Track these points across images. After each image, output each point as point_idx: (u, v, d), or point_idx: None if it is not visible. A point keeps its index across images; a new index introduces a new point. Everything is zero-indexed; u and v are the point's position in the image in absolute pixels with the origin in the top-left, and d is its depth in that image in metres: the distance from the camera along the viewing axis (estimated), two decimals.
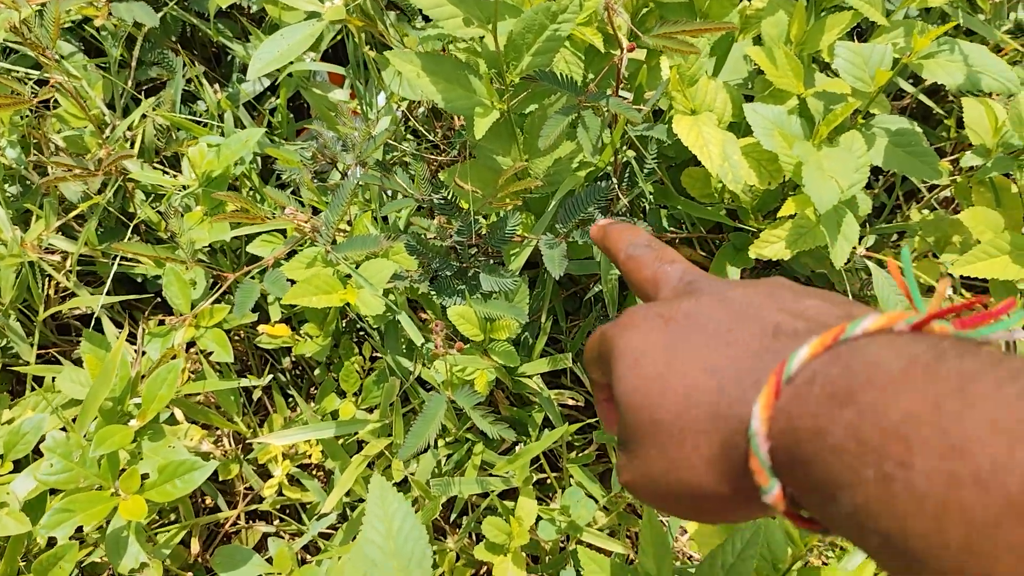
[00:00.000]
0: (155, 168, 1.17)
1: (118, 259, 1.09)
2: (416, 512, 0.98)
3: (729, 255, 1.06)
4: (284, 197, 0.97)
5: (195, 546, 1.02)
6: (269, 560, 0.99)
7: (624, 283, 1.07)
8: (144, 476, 0.87)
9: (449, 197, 0.97)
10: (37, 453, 0.88)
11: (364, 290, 0.90)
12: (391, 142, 1.12)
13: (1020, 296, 0.98)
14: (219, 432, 1.10)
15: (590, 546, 1.02)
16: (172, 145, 1.17)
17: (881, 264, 0.97)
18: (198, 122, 1.20)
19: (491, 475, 1.02)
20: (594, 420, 1.16)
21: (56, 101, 1.16)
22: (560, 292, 1.18)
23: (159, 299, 1.19)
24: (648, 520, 0.74)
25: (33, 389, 1.07)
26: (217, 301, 1.01)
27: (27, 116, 1.16)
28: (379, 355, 1.09)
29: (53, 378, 1.02)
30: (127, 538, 0.86)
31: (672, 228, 1.10)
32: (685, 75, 0.93)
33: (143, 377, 0.98)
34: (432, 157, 1.16)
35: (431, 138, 1.26)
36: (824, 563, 1.03)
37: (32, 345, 1.09)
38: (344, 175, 1.09)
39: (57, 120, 1.16)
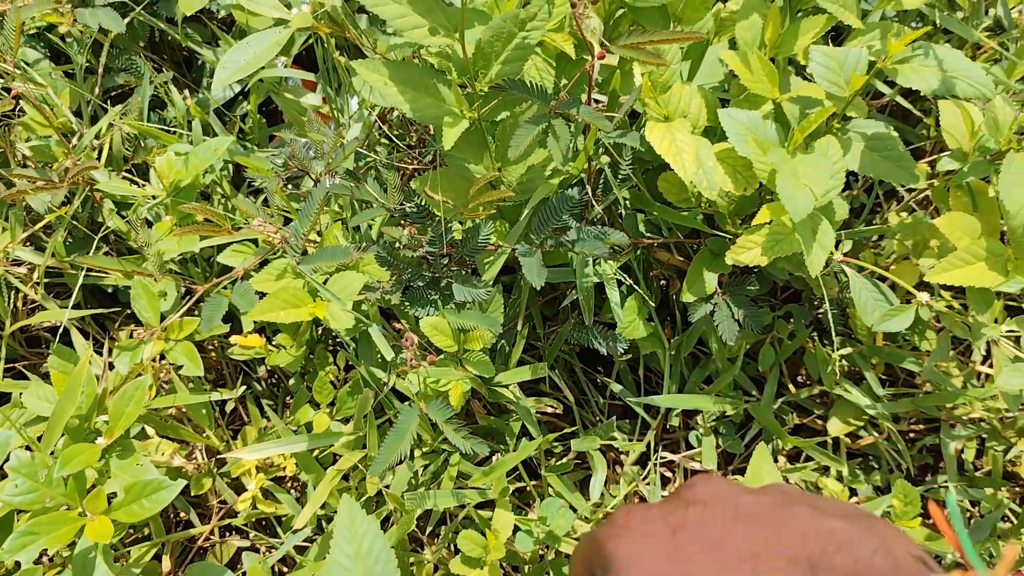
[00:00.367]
0: (124, 177, 1.15)
1: (86, 271, 1.07)
2: (391, 526, 0.97)
3: (707, 260, 1.05)
4: (253, 207, 0.95)
5: (167, 564, 1.00)
6: (243, 575, 0.98)
7: (601, 289, 1.06)
8: (112, 495, 0.85)
9: (421, 204, 0.95)
10: (1, 473, 0.86)
11: (334, 303, 0.89)
12: (361, 151, 1.11)
13: (998, 299, 0.97)
14: (191, 445, 1.08)
15: (569, 556, 1.02)
16: (140, 153, 1.15)
17: (860, 269, 0.96)
18: (168, 129, 1.18)
19: (468, 487, 1.01)
20: (573, 428, 1.16)
21: (23, 109, 1.14)
22: (537, 298, 1.17)
23: (131, 309, 1.17)
24: None
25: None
26: (189, 312, 0.99)
27: None
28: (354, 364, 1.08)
29: (20, 393, 1.00)
30: (95, 559, 0.85)
31: (649, 233, 1.08)
32: (657, 82, 0.92)
33: (114, 391, 0.96)
34: (405, 164, 1.14)
35: (406, 142, 1.24)
36: None
37: None
38: (316, 182, 1.07)
39: (24, 128, 1.14)
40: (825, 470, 1.14)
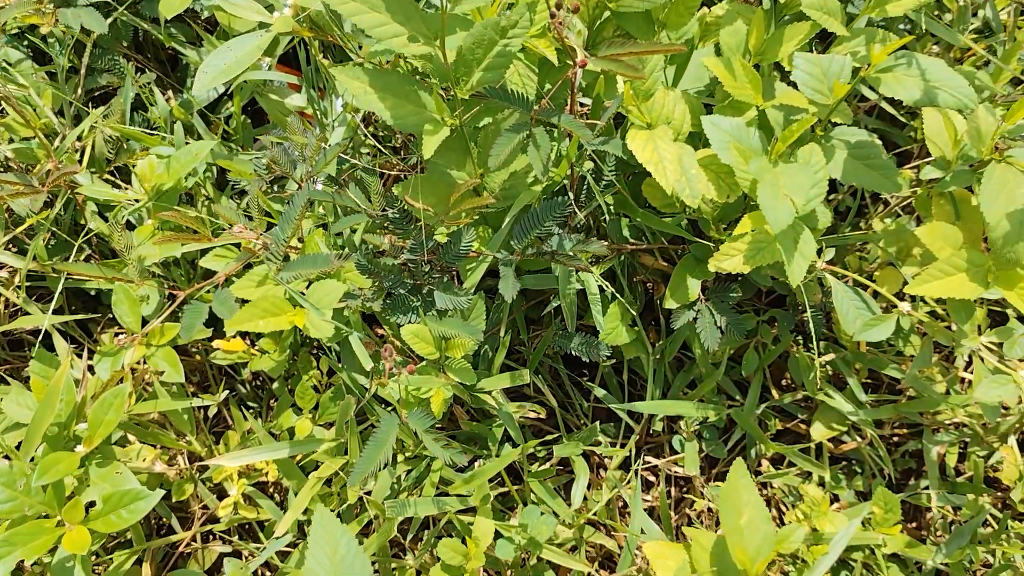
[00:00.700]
0: (107, 179, 1.14)
1: (68, 274, 1.07)
2: (373, 532, 0.97)
3: (690, 267, 1.04)
4: (233, 213, 0.95)
5: (148, 570, 1.00)
6: None
7: (583, 296, 1.06)
8: (90, 504, 0.85)
9: (403, 210, 0.95)
10: None
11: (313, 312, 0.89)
12: (343, 156, 1.10)
13: (980, 306, 0.97)
14: (173, 450, 1.08)
15: (551, 564, 1.02)
16: (123, 156, 1.14)
17: (840, 277, 0.96)
18: (151, 131, 1.17)
19: (450, 494, 1.01)
20: (556, 434, 1.15)
21: (4, 110, 1.13)
22: (521, 303, 1.17)
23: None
24: None
25: None
26: (171, 316, 0.99)
27: None
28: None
29: (0, 400, 0.99)
30: (73, 568, 0.85)
31: (633, 239, 1.08)
32: (640, 89, 0.91)
33: (95, 397, 0.96)
34: (388, 168, 1.13)
35: (391, 144, 1.24)
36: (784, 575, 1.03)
37: None
38: (299, 186, 1.06)
39: (5, 130, 1.13)
40: (807, 475, 1.15)
